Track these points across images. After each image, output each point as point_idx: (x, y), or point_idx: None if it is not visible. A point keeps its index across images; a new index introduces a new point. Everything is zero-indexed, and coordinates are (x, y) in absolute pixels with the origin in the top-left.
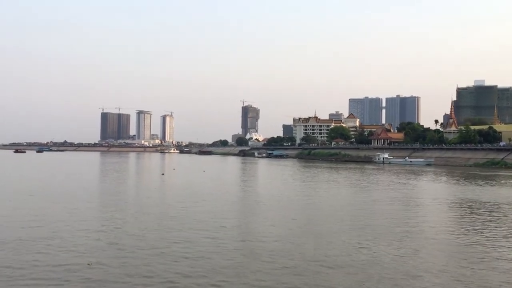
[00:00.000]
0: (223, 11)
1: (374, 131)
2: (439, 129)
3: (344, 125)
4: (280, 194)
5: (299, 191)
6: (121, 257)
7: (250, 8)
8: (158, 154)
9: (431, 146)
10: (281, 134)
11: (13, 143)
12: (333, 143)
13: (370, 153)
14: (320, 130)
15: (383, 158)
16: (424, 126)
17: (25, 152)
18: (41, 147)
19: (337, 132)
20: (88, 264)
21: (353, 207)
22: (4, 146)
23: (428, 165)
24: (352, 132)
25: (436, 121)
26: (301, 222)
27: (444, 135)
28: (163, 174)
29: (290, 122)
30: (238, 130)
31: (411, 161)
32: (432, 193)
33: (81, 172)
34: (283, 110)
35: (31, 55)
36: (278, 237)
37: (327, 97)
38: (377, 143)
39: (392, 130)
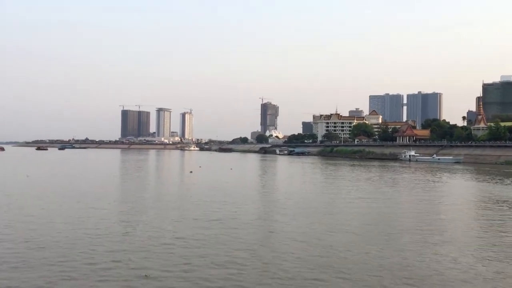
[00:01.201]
0: (243, 10)
1: (399, 128)
2: (466, 126)
3: (366, 122)
4: (327, 197)
5: (348, 194)
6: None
7: (268, 8)
8: (177, 152)
9: (458, 144)
10: (300, 131)
11: (36, 141)
12: (356, 140)
13: (396, 150)
14: (342, 127)
15: (410, 155)
16: (448, 123)
17: (47, 149)
18: (63, 145)
19: (360, 129)
20: (145, 276)
21: (423, 209)
22: (28, 144)
23: (457, 162)
24: (375, 129)
25: (464, 118)
26: (379, 228)
27: (472, 132)
28: (191, 172)
29: (309, 119)
30: (257, 127)
31: (439, 159)
32: (486, 193)
33: (113, 171)
34: (302, 107)
35: (51, 56)
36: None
37: (346, 94)
38: (402, 140)
39: (416, 127)
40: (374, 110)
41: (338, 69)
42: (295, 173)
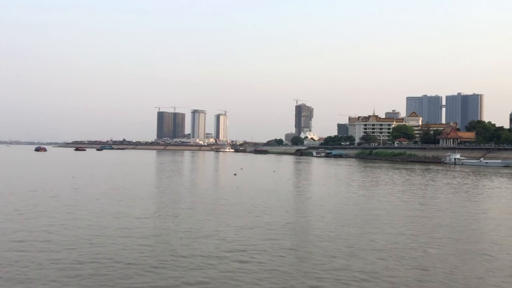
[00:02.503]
0: (277, 11)
1: (442, 130)
2: None
3: (406, 124)
4: (394, 203)
5: (421, 204)
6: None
7: (301, 8)
8: (212, 153)
9: (507, 147)
10: (335, 133)
11: (75, 141)
12: (395, 142)
13: (439, 153)
14: (381, 129)
15: (455, 159)
16: (494, 125)
17: (85, 150)
18: (103, 145)
19: (400, 131)
20: None
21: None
22: (67, 144)
23: (507, 166)
24: (415, 131)
25: (511, 119)
26: (465, 239)
27: None
28: (235, 174)
29: (345, 121)
30: (291, 129)
31: (486, 162)
32: None
33: (157, 172)
34: (337, 109)
35: (89, 62)
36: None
37: (382, 95)
38: (446, 143)
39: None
40: (413, 112)
41: (374, 70)
42: (343, 177)
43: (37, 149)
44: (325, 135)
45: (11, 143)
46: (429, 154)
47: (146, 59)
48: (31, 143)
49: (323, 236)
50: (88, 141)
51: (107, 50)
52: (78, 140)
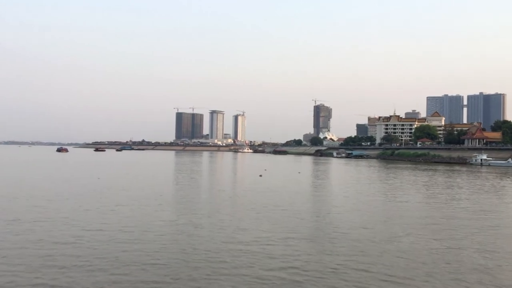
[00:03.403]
0: (296, 11)
1: (467, 130)
2: None
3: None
4: (433, 207)
5: (464, 209)
6: None
7: (318, 8)
8: (231, 154)
9: None
10: (354, 133)
11: (96, 142)
12: (418, 143)
13: (464, 154)
14: (402, 129)
15: (481, 159)
16: None
17: (104, 150)
18: (123, 146)
19: (422, 131)
20: None
21: None
22: (88, 145)
23: None
24: (439, 132)
25: None
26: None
27: None
28: (260, 175)
29: (363, 121)
30: (310, 130)
31: None
32: None
33: (181, 173)
34: (356, 109)
35: (107, 64)
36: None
37: (401, 95)
38: (471, 143)
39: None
40: (436, 112)
41: (394, 70)
42: (370, 177)
43: (59, 150)
44: (343, 136)
45: (32, 143)
46: (454, 154)
47: (165, 59)
48: (52, 144)
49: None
50: (108, 141)
51: (123, 52)
52: (98, 141)
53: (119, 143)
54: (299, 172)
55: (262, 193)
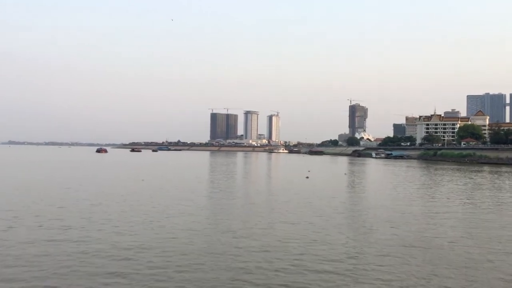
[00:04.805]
0: (331, 9)
1: None
2: None
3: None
4: None
5: None
6: None
7: (353, 7)
8: (265, 154)
9: None
10: (391, 133)
11: (132, 143)
12: (462, 143)
13: None
14: (444, 129)
15: None
16: None
17: (140, 151)
18: (160, 147)
19: (466, 131)
20: None
21: None
22: (125, 146)
23: None
24: (484, 131)
25: None
26: None
27: None
28: (307, 177)
29: (400, 121)
30: (345, 130)
31: None
32: None
33: (227, 175)
34: (392, 109)
35: (138, 67)
36: None
37: (438, 94)
38: None
39: None
40: (480, 111)
41: (431, 69)
42: (436, 181)
43: (98, 151)
44: (379, 136)
45: (72, 144)
46: (503, 155)
47: (204, 59)
48: (91, 145)
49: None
50: (144, 142)
51: (162, 54)
52: (135, 142)
53: (155, 144)
54: (345, 174)
55: (322, 198)
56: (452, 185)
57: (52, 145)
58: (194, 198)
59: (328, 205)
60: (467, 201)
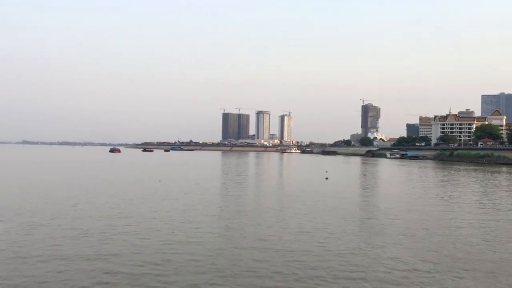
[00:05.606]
0: (343, 9)
1: None
2: None
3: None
4: None
5: None
6: None
7: (363, 7)
8: (277, 154)
9: None
10: (404, 133)
11: (145, 143)
12: (479, 143)
13: None
14: (460, 129)
15: None
16: None
17: (152, 151)
18: (172, 147)
19: (483, 131)
20: None
21: None
22: (137, 146)
23: None
24: (502, 131)
25: None
26: None
27: None
28: (326, 178)
29: (414, 121)
30: (357, 130)
31: None
32: None
33: (244, 175)
34: (405, 109)
35: (153, 68)
36: None
37: (452, 94)
38: None
39: None
40: (496, 110)
41: (445, 68)
42: (449, 180)
43: (111, 150)
44: (392, 136)
45: (85, 144)
46: None
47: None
48: (103, 144)
49: None
50: (157, 142)
51: (172, 55)
52: (147, 141)
53: (168, 144)
54: (364, 175)
55: (351, 202)
56: (494, 189)
57: (65, 144)
58: (222, 203)
59: (363, 210)
60: None
